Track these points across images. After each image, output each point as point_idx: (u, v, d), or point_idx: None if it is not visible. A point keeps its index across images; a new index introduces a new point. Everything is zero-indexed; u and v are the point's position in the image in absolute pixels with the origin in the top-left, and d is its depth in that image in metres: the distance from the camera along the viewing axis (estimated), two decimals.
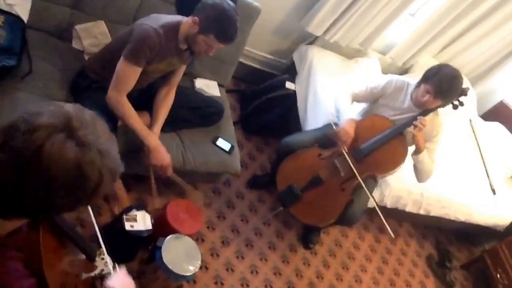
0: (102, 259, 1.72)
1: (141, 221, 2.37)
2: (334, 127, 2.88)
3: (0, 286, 1.07)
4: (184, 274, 2.33)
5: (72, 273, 1.63)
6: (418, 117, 2.75)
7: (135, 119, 2.33)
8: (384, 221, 2.82)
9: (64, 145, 0.96)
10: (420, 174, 2.98)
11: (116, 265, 1.72)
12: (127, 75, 2.26)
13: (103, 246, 1.73)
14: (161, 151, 2.39)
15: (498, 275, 3.88)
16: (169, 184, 2.83)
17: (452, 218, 3.80)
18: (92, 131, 1.01)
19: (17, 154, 0.94)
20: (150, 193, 2.64)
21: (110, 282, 1.55)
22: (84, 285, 1.68)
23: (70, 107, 1.03)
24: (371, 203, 3.22)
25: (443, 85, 2.65)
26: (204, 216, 2.98)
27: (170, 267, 2.28)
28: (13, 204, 0.99)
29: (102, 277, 1.75)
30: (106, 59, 2.34)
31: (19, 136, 0.95)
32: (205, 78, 3.08)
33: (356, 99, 3.01)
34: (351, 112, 2.91)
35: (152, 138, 2.38)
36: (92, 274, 1.69)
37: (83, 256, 1.70)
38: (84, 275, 1.66)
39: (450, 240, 4.40)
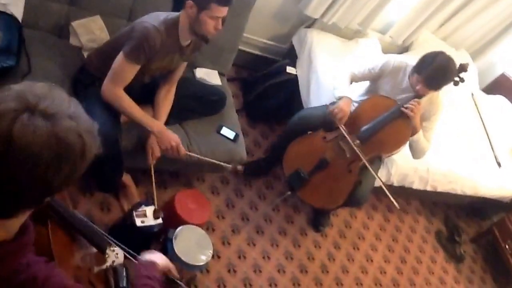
0: (113, 250, 1.73)
1: (151, 216, 2.38)
2: (329, 105, 2.87)
3: (30, 280, 1.05)
4: (197, 264, 2.35)
5: (84, 267, 1.64)
6: (411, 101, 2.75)
7: (134, 108, 2.33)
8: (388, 194, 2.83)
9: (33, 123, 0.90)
10: (414, 152, 3.02)
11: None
12: (125, 71, 2.25)
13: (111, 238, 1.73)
14: (166, 132, 2.39)
15: (507, 246, 3.91)
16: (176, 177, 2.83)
17: (459, 192, 3.81)
18: (52, 101, 0.95)
19: None
20: (151, 189, 2.64)
21: (144, 255, 1.60)
22: (97, 278, 1.68)
23: (18, 87, 0.96)
24: (378, 183, 3.23)
25: (434, 77, 2.68)
26: (213, 205, 2.99)
27: (182, 258, 2.30)
28: (11, 198, 0.96)
29: (114, 268, 1.76)
30: (107, 55, 2.32)
31: None
32: (206, 67, 3.07)
33: (355, 79, 3.00)
34: (348, 91, 2.90)
35: (155, 123, 2.38)
36: (104, 266, 1.70)
37: (94, 249, 1.70)
38: (96, 268, 1.67)
39: (458, 215, 4.42)
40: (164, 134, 2.38)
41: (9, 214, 1.01)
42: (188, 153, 2.53)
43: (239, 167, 2.97)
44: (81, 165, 1.00)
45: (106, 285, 1.73)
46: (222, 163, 2.67)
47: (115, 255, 1.72)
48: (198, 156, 2.59)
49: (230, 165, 2.74)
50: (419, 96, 2.77)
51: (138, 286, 1.49)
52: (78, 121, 0.98)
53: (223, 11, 2.23)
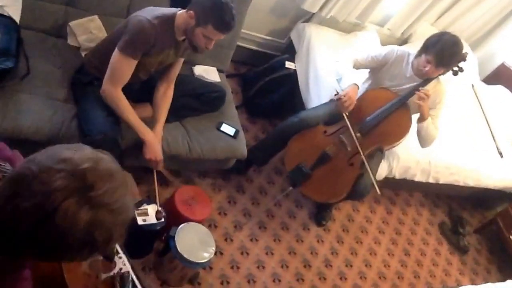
0: (120, 257, 1.73)
1: (152, 215, 2.38)
2: (336, 92, 2.84)
3: None
4: (200, 261, 2.35)
5: (92, 274, 1.64)
6: (421, 88, 2.75)
7: (130, 113, 2.32)
8: (374, 181, 2.84)
9: (78, 210, 0.95)
10: (423, 140, 3.00)
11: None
12: (122, 67, 2.24)
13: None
14: (154, 146, 2.39)
15: (511, 236, 3.90)
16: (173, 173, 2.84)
17: (462, 184, 3.80)
18: (107, 188, 1.00)
19: (29, 213, 0.94)
20: (153, 188, 2.65)
21: None
22: (104, 285, 1.68)
23: (86, 162, 0.99)
24: (380, 176, 3.23)
25: (444, 54, 2.65)
26: (215, 202, 2.99)
27: (185, 255, 2.30)
28: (22, 249, 1.01)
29: (121, 275, 1.76)
30: (104, 53, 2.31)
31: (31, 197, 0.94)
32: (204, 64, 3.07)
33: (357, 65, 2.98)
34: (354, 77, 2.89)
35: (147, 132, 2.38)
36: (111, 273, 1.70)
37: (101, 257, 1.71)
38: (104, 275, 1.67)
39: (461, 207, 4.41)
40: (152, 147, 2.38)
41: (14, 259, 1.06)
42: (162, 170, 2.58)
43: None
44: (101, 250, 1.05)
45: None
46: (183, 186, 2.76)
47: (122, 262, 1.71)
48: (167, 175, 2.70)
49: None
50: (425, 82, 2.77)
51: None
52: (118, 215, 1.02)
53: (219, 36, 2.23)
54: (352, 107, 2.80)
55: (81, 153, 1.02)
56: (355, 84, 2.83)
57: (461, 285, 3.50)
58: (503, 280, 3.46)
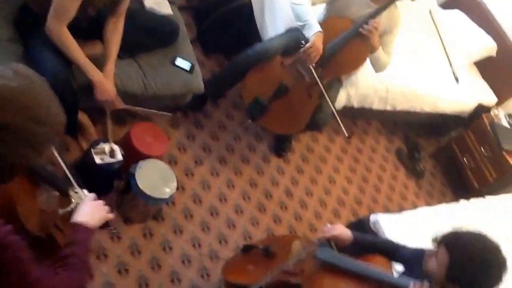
0: (76, 192, 1.71)
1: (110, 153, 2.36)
2: (303, 42, 2.78)
3: None
4: (162, 197, 2.37)
5: (49, 210, 1.63)
6: (369, 21, 2.73)
7: (77, 51, 2.23)
8: (340, 122, 2.88)
9: None
10: (375, 67, 3.04)
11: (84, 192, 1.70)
12: (66, 2, 2.12)
13: (72, 179, 1.71)
14: (105, 85, 2.31)
15: (465, 159, 4.06)
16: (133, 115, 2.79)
17: (418, 110, 3.89)
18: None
19: None
20: (105, 127, 2.61)
21: (77, 215, 1.51)
22: (63, 221, 1.68)
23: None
24: (338, 105, 3.25)
25: None
26: (174, 138, 2.97)
27: (147, 192, 2.31)
28: None
29: None
30: None
31: None
32: None
33: (315, 1, 2.92)
34: (316, 23, 2.79)
35: (95, 72, 2.29)
36: (69, 208, 1.69)
37: (57, 193, 1.69)
38: (61, 211, 1.66)
39: (418, 133, 4.51)
40: (102, 86, 2.30)
41: None
42: (125, 106, 2.48)
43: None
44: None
45: None
46: (161, 113, 2.69)
47: (80, 197, 1.70)
48: (136, 108, 2.57)
49: (170, 114, 2.79)
50: (379, 10, 2.76)
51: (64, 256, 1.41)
52: None
53: None
54: (319, 57, 2.73)
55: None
56: (320, 32, 2.72)
57: (417, 207, 3.66)
58: (457, 200, 3.62)
